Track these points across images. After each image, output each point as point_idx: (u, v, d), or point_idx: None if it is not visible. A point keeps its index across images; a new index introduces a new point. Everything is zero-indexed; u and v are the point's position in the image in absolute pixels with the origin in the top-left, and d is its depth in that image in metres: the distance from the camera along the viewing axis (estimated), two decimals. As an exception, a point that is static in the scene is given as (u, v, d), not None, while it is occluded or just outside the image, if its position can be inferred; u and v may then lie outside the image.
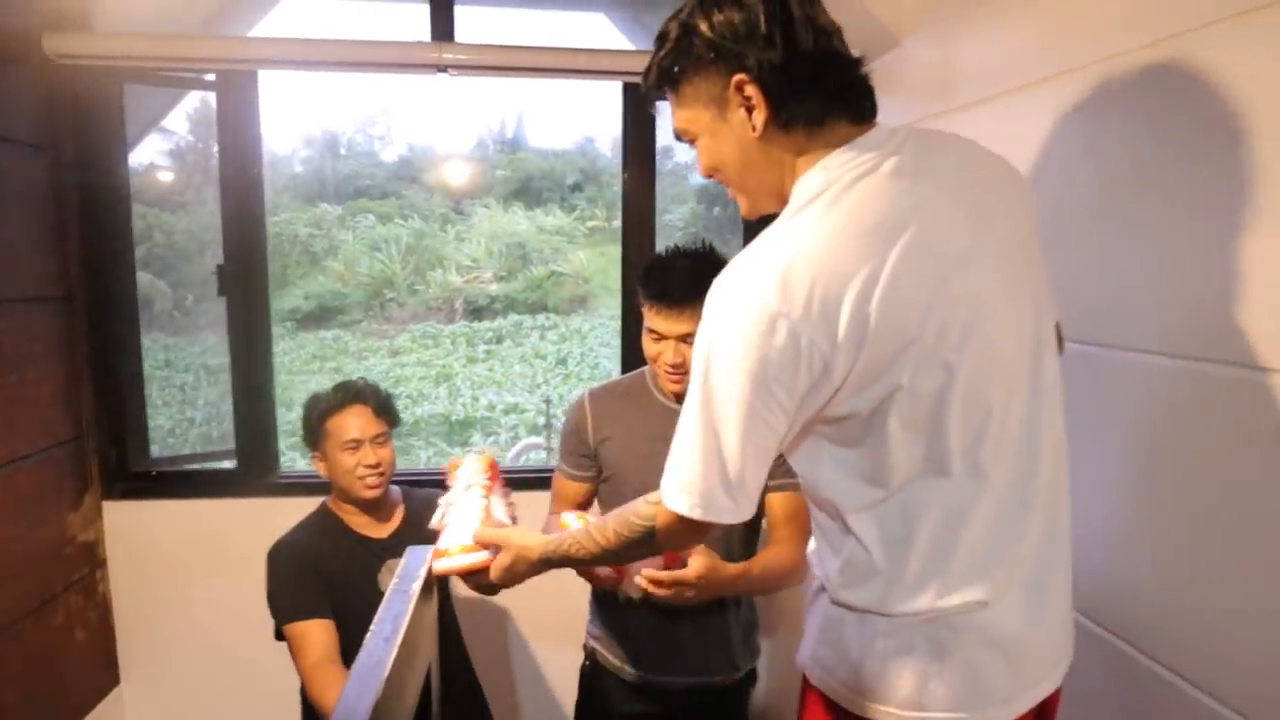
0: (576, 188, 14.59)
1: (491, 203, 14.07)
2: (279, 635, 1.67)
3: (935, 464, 0.89)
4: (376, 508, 1.74)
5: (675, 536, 1.01)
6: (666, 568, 1.39)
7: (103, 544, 2.21)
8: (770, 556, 1.58)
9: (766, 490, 1.64)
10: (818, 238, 0.85)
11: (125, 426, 2.23)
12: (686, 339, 1.51)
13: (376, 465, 1.66)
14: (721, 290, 0.89)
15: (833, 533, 0.99)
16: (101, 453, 2.19)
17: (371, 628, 1.08)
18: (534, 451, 8.98)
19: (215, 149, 2.27)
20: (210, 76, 2.21)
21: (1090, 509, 1.15)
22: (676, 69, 0.95)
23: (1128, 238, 1.10)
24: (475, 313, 12.82)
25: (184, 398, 2.28)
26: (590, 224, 14.25)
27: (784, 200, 0.94)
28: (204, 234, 2.43)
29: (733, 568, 1.45)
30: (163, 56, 2.03)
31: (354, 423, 1.67)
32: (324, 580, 1.61)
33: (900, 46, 1.73)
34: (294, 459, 2.43)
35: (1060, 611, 1.00)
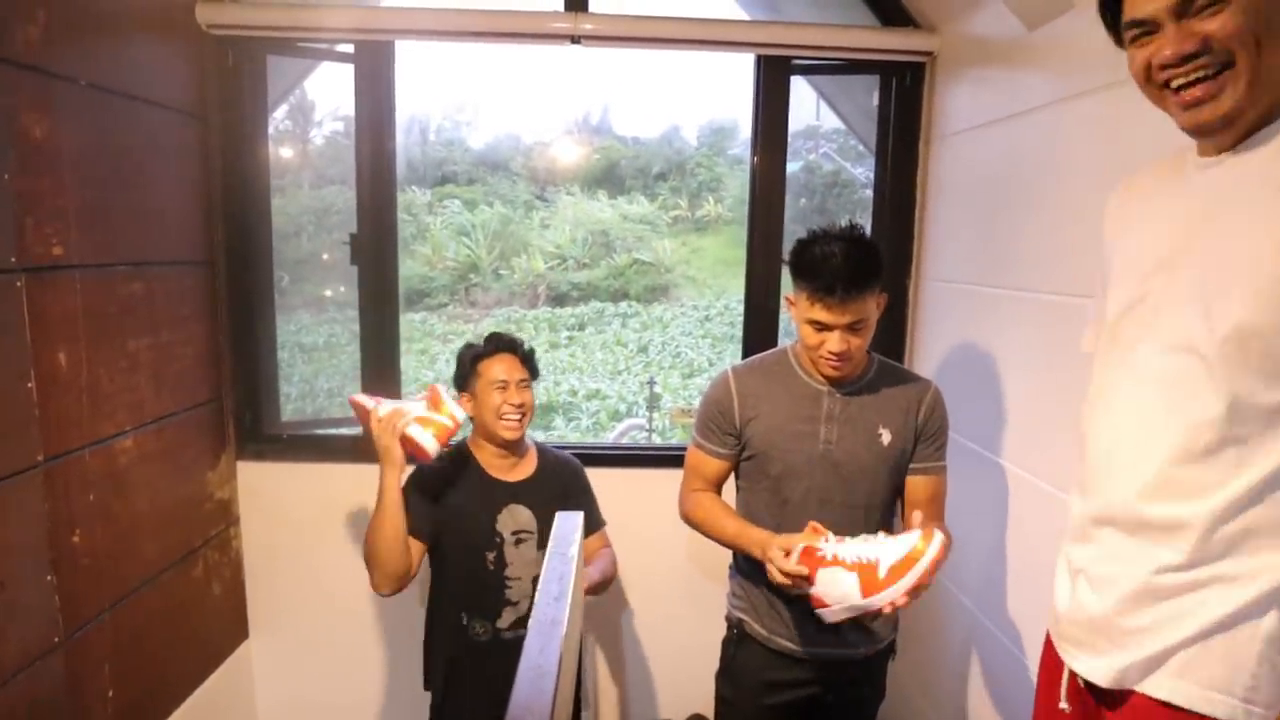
0: (661, 177, 14.52)
1: (576, 190, 14.15)
2: None
3: None
4: (512, 450, 1.88)
5: None
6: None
7: (236, 502, 2.29)
8: None
9: (909, 474, 1.64)
10: None
11: (259, 390, 2.30)
12: (853, 327, 1.48)
13: (520, 405, 1.82)
14: None
15: None
16: (237, 414, 2.26)
17: (539, 588, 1.10)
18: (636, 432, 9.08)
19: (311, 134, 2.29)
20: (346, 48, 2.24)
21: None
22: None
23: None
24: (558, 299, 12.93)
25: (281, 374, 2.38)
26: (673, 213, 14.19)
27: (1271, 105, 0.90)
28: (300, 216, 2.48)
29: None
30: (306, 26, 2.10)
31: (502, 367, 1.83)
32: (440, 508, 1.80)
33: (1075, 10, 1.62)
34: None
35: None
